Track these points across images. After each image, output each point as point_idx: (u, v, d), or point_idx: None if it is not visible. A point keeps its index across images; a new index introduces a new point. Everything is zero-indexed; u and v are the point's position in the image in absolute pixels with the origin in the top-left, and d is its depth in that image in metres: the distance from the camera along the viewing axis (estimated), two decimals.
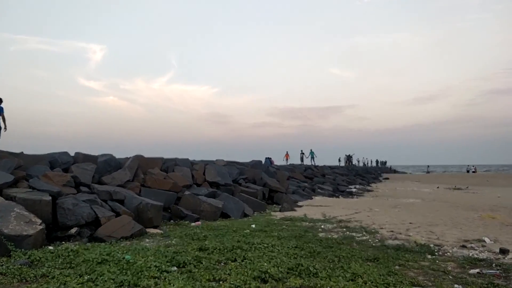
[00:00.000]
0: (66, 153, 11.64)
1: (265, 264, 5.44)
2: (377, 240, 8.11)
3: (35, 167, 10.01)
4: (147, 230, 8.71)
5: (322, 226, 9.93)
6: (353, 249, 7.01)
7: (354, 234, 8.84)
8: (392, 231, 9.30)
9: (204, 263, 5.55)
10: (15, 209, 6.95)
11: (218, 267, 5.47)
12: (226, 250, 6.42)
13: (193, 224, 10.09)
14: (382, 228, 9.74)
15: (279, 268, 5.26)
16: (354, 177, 40.31)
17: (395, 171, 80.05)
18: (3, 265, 5.19)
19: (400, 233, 9.04)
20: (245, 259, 5.87)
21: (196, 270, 5.23)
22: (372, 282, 4.76)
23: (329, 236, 8.39)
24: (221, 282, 4.73)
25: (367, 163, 75.83)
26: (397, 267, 5.76)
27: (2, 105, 12.56)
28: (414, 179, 49.59)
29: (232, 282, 4.61)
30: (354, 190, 27.14)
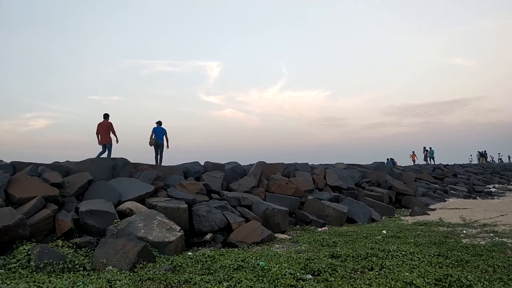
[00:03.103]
0: (197, 163, 12.47)
1: (407, 274, 4.98)
2: None
3: (171, 177, 10.86)
4: (275, 235, 8.78)
5: (464, 231, 8.92)
6: (508, 257, 6.10)
7: (505, 240, 7.75)
8: None
9: (339, 271, 5.30)
10: (157, 217, 7.53)
11: (355, 276, 5.18)
12: (360, 258, 6.09)
13: (319, 229, 9.90)
14: None
15: (425, 279, 4.76)
16: (491, 175, 36.10)
17: None
18: (150, 270, 5.58)
19: None
20: (383, 267, 5.47)
21: (333, 279, 5.00)
22: None
23: (475, 243, 7.46)
24: None
25: (505, 159, 67.73)
26: None
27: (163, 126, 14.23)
28: None
29: None
30: (493, 190, 24.20)
